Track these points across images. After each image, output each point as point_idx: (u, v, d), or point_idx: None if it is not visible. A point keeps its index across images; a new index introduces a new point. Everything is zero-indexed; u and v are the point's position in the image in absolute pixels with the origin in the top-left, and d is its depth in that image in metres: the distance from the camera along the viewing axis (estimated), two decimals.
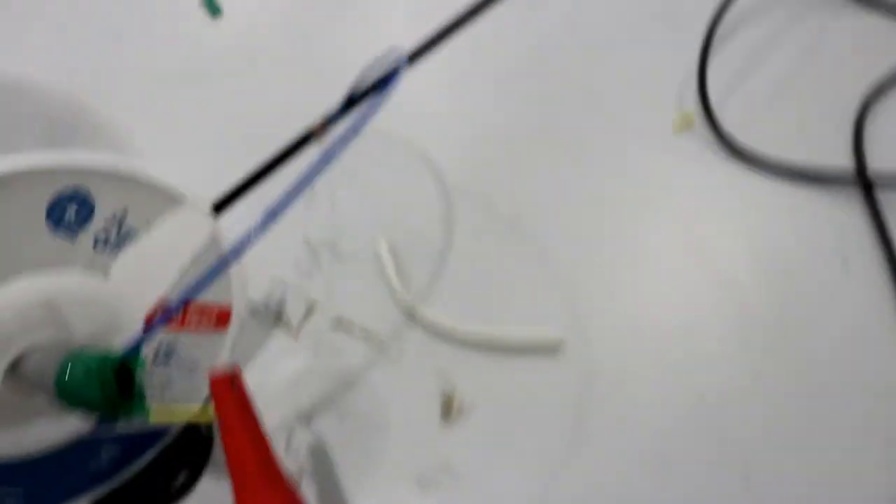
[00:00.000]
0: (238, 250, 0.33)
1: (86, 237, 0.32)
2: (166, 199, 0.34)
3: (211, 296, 0.38)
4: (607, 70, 0.54)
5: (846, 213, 0.46)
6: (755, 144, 0.49)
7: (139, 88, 0.57)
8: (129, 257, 0.34)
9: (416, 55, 0.56)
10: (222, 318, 0.41)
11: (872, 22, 0.54)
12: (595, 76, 0.54)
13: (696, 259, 0.46)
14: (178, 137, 0.54)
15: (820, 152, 0.48)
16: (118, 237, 0.33)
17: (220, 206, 0.50)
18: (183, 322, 0.38)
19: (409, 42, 0.57)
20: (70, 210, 0.31)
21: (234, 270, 0.39)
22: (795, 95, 0.51)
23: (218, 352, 0.40)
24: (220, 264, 0.34)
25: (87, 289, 0.33)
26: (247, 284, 0.39)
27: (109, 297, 0.34)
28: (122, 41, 0.61)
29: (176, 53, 0.60)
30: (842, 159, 0.48)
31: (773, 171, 0.48)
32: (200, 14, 0.62)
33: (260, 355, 0.46)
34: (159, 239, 0.35)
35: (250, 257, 0.44)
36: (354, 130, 0.33)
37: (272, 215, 0.31)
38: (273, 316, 0.46)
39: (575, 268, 0.46)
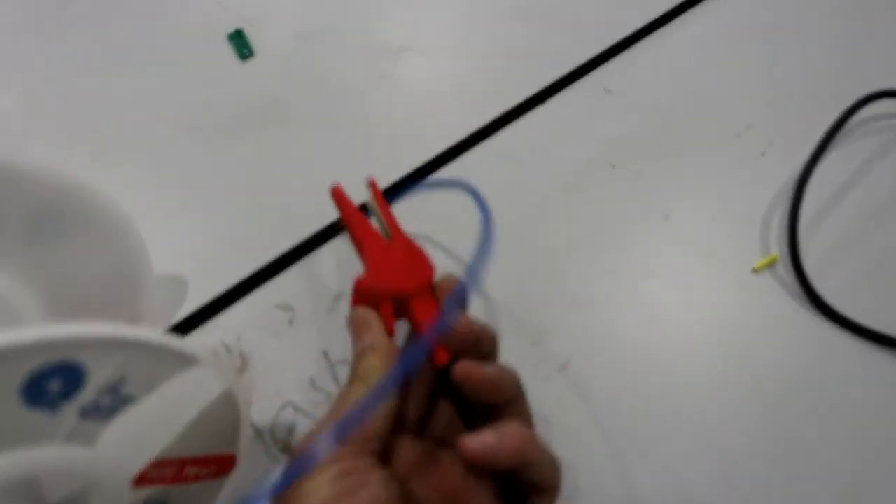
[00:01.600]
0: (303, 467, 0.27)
1: (71, 409, 0.25)
2: (175, 362, 0.27)
3: (215, 446, 0.32)
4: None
5: None
6: (839, 297, 0.45)
7: (143, 154, 0.50)
8: (124, 423, 0.27)
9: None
10: (224, 466, 0.34)
11: None
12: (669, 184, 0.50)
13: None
14: (191, 214, 0.47)
15: None
16: (112, 406, 0.26)
17: (230, 299, 0.43)
18: (178, 478, 0.31)
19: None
20: (53, 384, 0.24)
21: (245, 419, 0.33)
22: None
23: (214, 496, 0.34)
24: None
25: (69, 461, 0.27)
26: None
27: (95, 464, 0.28)
28: (124, 102, 0.54)
29: (190, 109, 0.53)
30: None
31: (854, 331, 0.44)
32: (225, 58, 0.55)
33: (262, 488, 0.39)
34: (162, 401, 0.28)
35: (258, 372, 0.39)
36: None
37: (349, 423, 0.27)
38: (280, 444, 0.40)
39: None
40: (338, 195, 0.40)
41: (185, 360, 0.28)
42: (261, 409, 0.40)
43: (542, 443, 0.30)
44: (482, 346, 0.33)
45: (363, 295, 0.36)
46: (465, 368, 0.31)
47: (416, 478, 0.32)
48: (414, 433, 0.34)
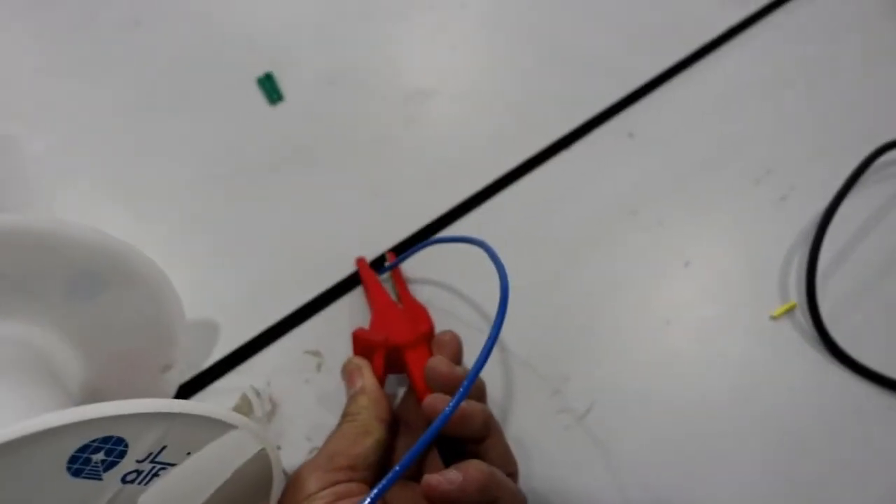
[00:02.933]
0: None
1: (113, 477, 0.26)
2: (212, 429, 0.28)
3: (249, 500, 0.33)
4: (705, 227, 0.51)
5: None
6: (856, 344, 0.46)
7: (176, 199, 0.51)
8: (163, 486, 0.29)
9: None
10: None
11: None
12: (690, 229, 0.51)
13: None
14: (223, 259, 0.49)
15: None
16: (151, 471, 0.28)
17: (260, 344, 0.45)
18: None
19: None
20: (97, 456, 0.25)
21: (277, 476, 0.34)
22: None
23: None
24: None
25: None
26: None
27: None
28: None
29: (220, 154, 0.54)
30: None
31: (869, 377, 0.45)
32: (255, 102, 0.56)
33: None
34: (199, 464, 0.29)
35: (287, 417, 0.40)
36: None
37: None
38: None
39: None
40: (361, 266, 0.47)
41: (222, 427, 0.29)
42: (289, 454, 0.41)
43: (505, 480, 0.31)
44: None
45: (361, 345, 0.40)
46: (432, 402, 0.33)
47: None
48: (407, 477, 0.36)
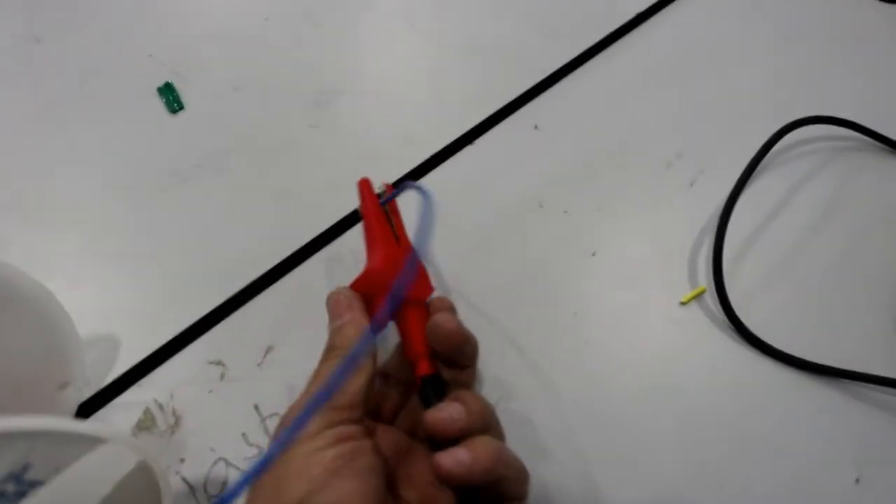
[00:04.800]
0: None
1: None
2: (80, 443, 0.28)
3: None
4: (615, 215, 0.52)
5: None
6: (766, 326, 0.46)
7: (74, 213, 0.50)
8: None
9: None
10: None
11: None
12: (601, 216, 0.51)
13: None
14: (122, 273, 0.48)
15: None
16: (17, 491, 0.27)
17: (162, 357, 0.44)
18: None
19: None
20: None
21: (165, 487, 0.33)
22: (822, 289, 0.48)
23: None
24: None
25: None
26: None
27: None
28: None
29: (119, 165, 0.53)
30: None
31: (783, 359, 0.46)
32: (156, 112, 0.55)
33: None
34: (72, 481, 0.29)
35: (191, 429, 0.39)
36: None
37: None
38: (214, 500, 0.40)
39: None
40: (364, 186, 0.41)
41: (90, 441, 0.28)
42: (194, 466, 0.41)
43: (512, 457, 0.31)
44: (466, 349, 0.35)
45: (367, 283, 0.37)
46: (440, 318, 0.34)
47: (394, 460, 0.34)
48: (390, 423, 0.36)
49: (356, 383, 0.32)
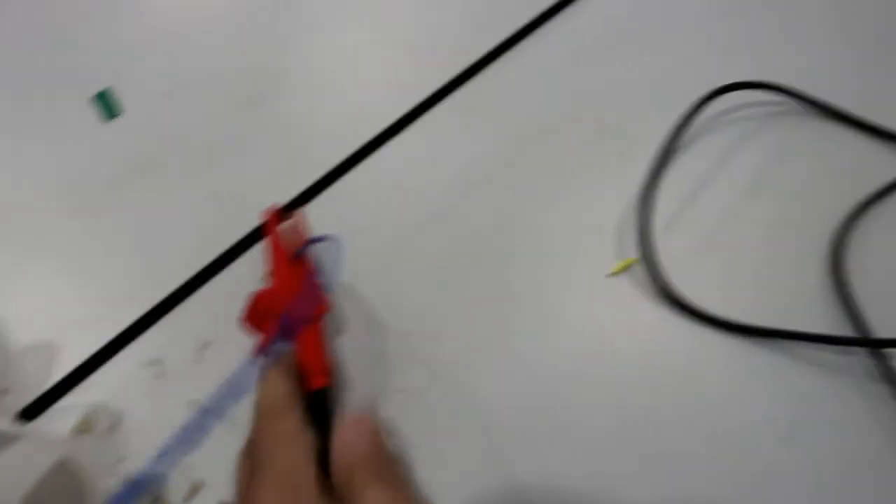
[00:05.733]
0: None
1: None
2: None
3: None
4: (547, 196, 0.52)
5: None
6: (699, 293, 0.47)
7: (9, 222, 0.51)
8: None
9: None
10: None
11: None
12: (533, 198, 0.52)
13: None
14: (60, 279, 0.49)
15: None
16: None
17: (102, 359, 0.45)
18: None
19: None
20: None
21: (89, 482, 0.34)
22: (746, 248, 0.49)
23: None
24: None
25: None
26: None
27: None
28: None
29: (54, 173, 0.54)
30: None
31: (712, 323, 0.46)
32: (91, 119, 0.56)
33: None
34: None
35: (131, 429, 0.40)
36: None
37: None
38: (149, 499, 0.41)
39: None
40: (269, 217, 0.45)
41: (5, 437, 0.29)
42: (135, 465, 0.41)
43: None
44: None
45: (258, 307, 0.39)
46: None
47: None
48: None
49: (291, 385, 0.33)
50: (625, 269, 0.48)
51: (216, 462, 0.38)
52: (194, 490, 0.41)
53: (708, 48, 0.59)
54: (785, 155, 0.53)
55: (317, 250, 0.44)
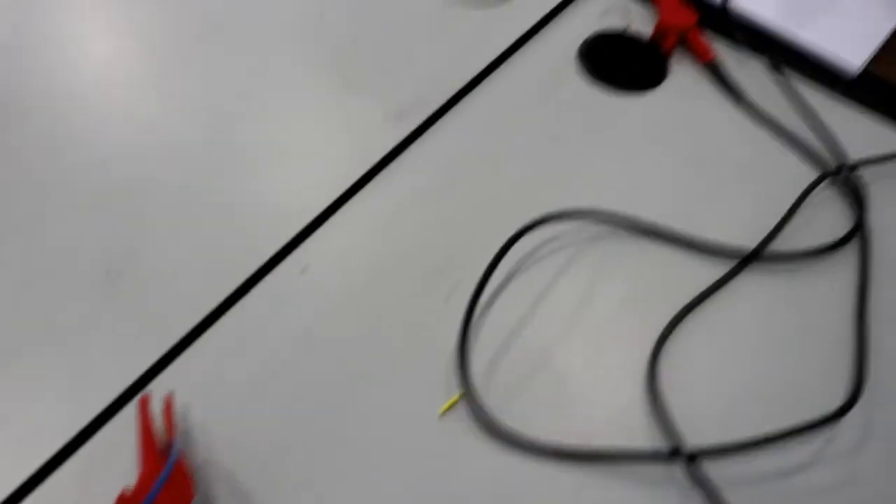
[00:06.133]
0: None
1: None
2: None
3: None
4: (378, 345, 0.54)
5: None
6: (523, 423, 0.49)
7: None
8: None
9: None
10: None
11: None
12: (366, 349, 0.53)
13: None
14: None
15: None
16: None
17: None
18: None
19: None
20: None
21: None
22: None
23: None
24: None
25: None
26: None
27: None
28: None
29: None
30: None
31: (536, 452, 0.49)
32: None
33: None
34: None
35: None
36: None
37: None
38: None
39: None
40: (143, 406, 0.46)
41: None
42: None
43: None
44: None
45: (137, 491, 0.40)
46: None
47: None
48: None
49: None
50: (452, 406, 0.50)
51: None
52: None
53: (532, 178, 0.64)
54: (602, 276, 0.58)
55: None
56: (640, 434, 0.50)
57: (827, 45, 0.72)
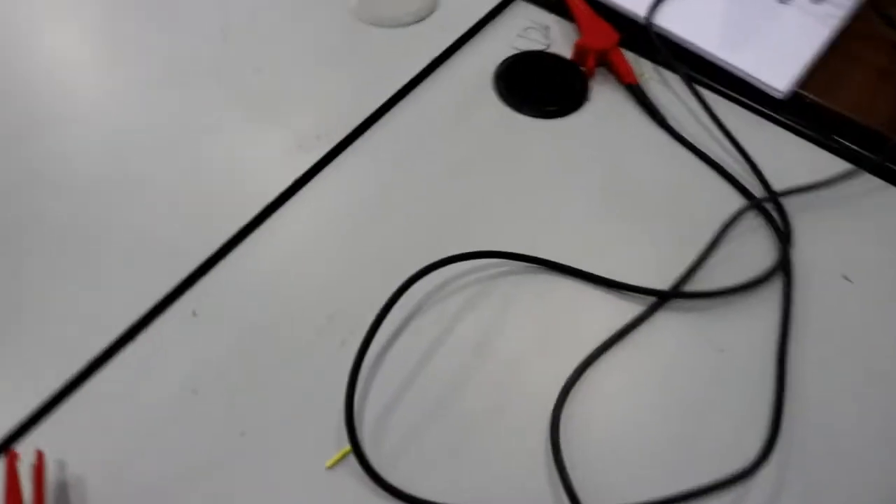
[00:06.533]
0: None
1: None
2: None
3: None
4: (269, 395, 0.51)
5: None
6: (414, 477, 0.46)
7: None
8: None
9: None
10: None
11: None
12: (255, 398, 0.50)
13: None
14: None
15: None
16: None
17: None
18: None
19: None
20: None
21: None
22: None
23: None
24: None
25: None
26: None
27: None
28: None
29: None
30: None
31: None
32: None
33: None
34: None
35: None
36: None
37: None
38: None
39: None
40: (10, 463, 0.44)
41: None
42: None
43: None
44: None
45: None
46: None
47: None
48: None
49: None
50: (341, 459, 0.47)
51: None
52: None
53: (429, 218, 0.60)
54: (507, 319, 0.54)
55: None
56: (538, 492, 0.47)
57: (753, 66, 0.68)
